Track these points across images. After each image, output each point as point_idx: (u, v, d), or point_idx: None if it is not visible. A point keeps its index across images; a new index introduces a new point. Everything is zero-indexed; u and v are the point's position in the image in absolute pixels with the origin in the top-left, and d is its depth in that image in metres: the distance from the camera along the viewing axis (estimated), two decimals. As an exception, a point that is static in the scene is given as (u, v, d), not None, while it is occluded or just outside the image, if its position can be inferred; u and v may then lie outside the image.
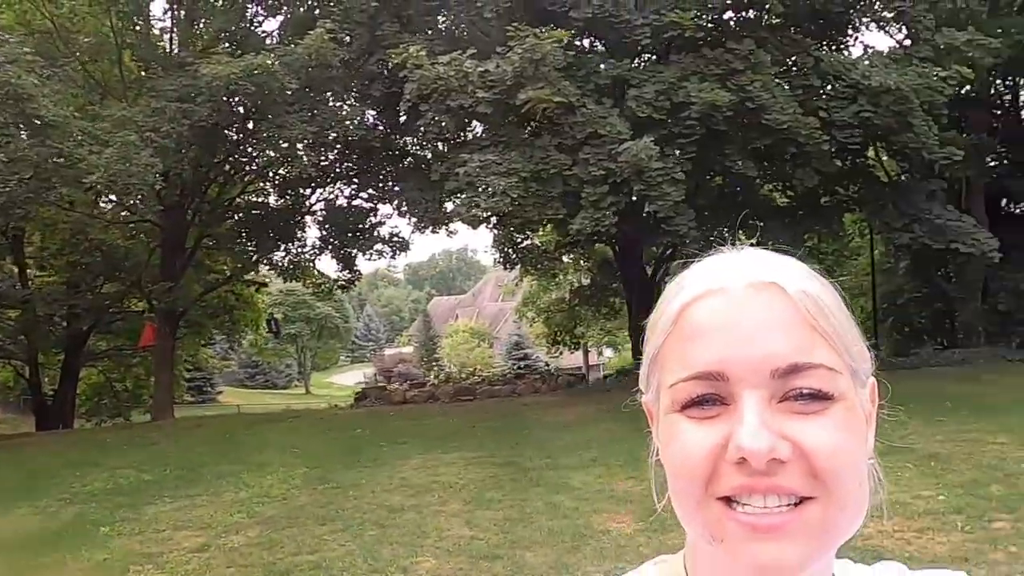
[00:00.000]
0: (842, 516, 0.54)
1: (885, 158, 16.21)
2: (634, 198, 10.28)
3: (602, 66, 11.10)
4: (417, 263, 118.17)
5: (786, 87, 11.75)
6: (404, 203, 13.26)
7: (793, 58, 12.35)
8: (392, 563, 5.85)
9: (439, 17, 13.27)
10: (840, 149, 12.14)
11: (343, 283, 17.52)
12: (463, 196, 10.41)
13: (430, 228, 16.44)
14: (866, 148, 13.18)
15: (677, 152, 10.78)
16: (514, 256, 21.65)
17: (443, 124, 10.79)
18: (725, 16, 12.80)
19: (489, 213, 10.09)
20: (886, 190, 14.18)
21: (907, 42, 15.14)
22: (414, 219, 14.57)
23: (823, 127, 11.42)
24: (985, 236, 12.51)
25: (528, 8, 11.05)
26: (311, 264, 17.80)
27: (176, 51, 14.42)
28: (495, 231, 20.91)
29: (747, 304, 0.55)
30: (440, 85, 10.38)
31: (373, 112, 13.55)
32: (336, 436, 12.02)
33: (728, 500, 0.53)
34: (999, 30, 13.66)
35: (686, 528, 0.59)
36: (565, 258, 22.62)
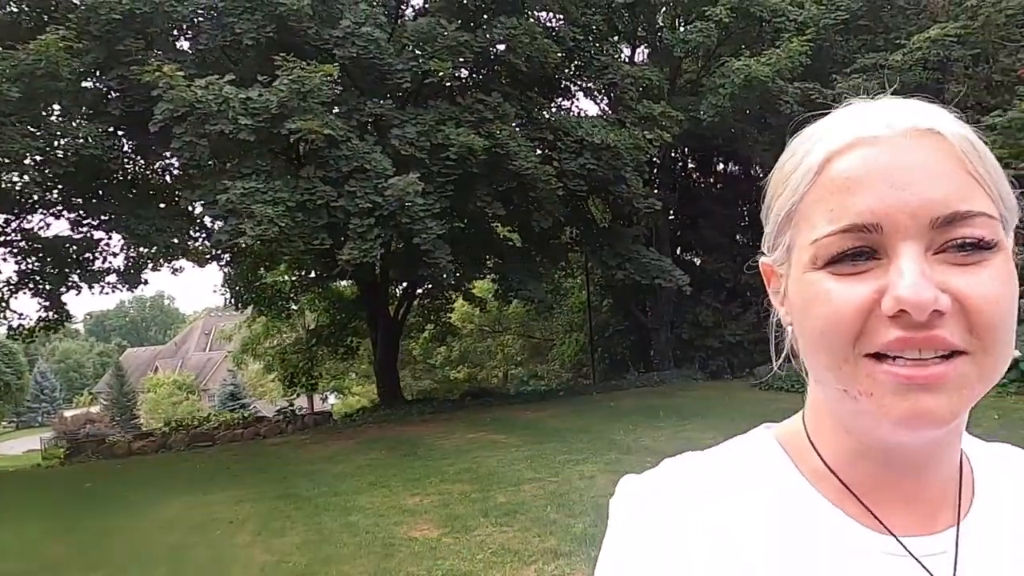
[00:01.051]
0: (993, 369, 0.52)
1: (595, 207, 18.73)
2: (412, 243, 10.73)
3: (367, 104, 11.48)
4: (101, 312, 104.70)
5: (521, 136, 13.20)
6: (139, 233, 12.17)
7: (530, 112, 13.89)
8: (198, 595, 5.50)
9: (183, 40, 12.64)
10: (569, 196, 13.85)
11: (47, 324, 15.34)
12: (226, 223, 10.00)
13: (163, 261, 15.28)
14: (590, 196, 15.16)
15: (436, 190, 11.50)
16: (246, 296, 20.71)
17: (198, 149, 10.30)
18: (466, 72, 14.04)
19: (255, 241, 9.81)
20: (600, 234, 16.40)
21: (607, 109, 17.82)
22: (150, 250, 13.43)
23: (557, 176, 13.02)
24: (679, 273, 15.08)
25: (290, 41, 11.09)
26: (2, 303, 15.35)
27: None
28: (226, 269, 19.91)
29: (902, 151, 0.52)
30: (199, 108, 9.96)
31: (99, 130, 12.36)
32: (61, 491, 10.54)
33: (876, 356, 0.51)
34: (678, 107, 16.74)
35: (823, 387, 0.57)
36: (301, 298, 22.16)
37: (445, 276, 12.11)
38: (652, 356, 20.46)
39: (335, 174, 10.84)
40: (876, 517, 0.57)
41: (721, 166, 23.21)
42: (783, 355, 0.64)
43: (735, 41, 17.05)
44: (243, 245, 10.02)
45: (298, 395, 22.19)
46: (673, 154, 20.82)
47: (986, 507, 0.60)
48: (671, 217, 21.50)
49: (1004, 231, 0.54)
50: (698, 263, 22.05)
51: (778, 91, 14.59)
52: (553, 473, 8.69)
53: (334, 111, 11.66)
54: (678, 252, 22.14)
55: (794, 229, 0.56)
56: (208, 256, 17.22)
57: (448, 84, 11.80)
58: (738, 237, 22.37)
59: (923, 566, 0.55)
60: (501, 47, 12.59)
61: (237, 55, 12.02)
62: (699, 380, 17.98)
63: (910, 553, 0.56)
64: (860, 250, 0.52)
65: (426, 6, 13.57)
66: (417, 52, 11.75)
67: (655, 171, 19.67)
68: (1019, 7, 13.29)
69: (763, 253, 0.63)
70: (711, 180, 23.56)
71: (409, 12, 13.83)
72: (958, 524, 0.58)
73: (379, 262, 10.82)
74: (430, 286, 19.34)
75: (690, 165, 23.35)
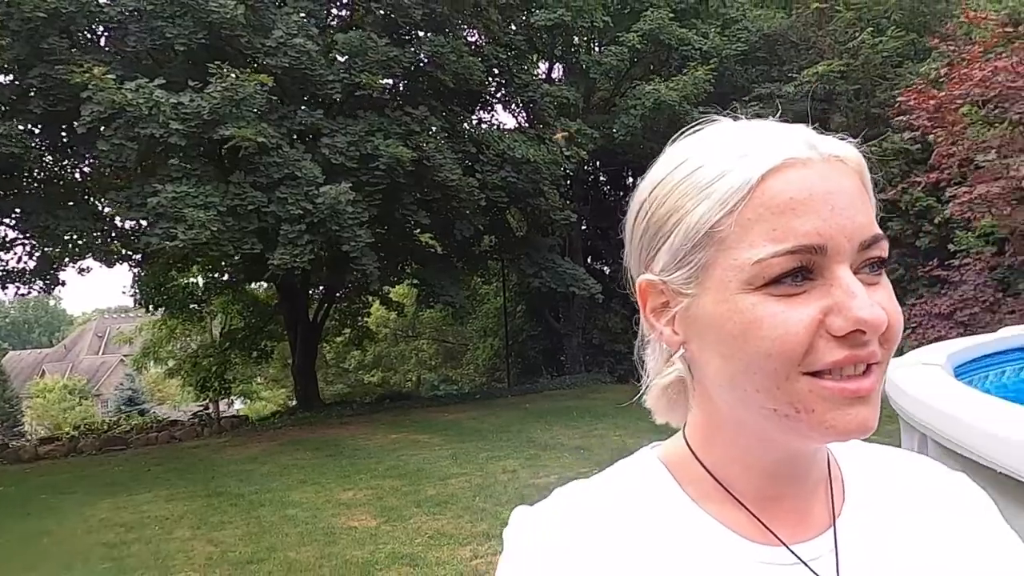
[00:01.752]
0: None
1: (512, 217, 19.44)
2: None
3: (297, 113, 11.76)
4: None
5: (447, 148, 13.76)
6: (56, 233, 11.97)
7: (455, 126, 14.46)
8: (148, 585, 5.77)
9: (109, 40, 12.50)
10: (490, 206, 14.49)
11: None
12: (158, 226, 10.07)
13: (70, 261, 14.96)
14: (509, 207, 15.84)
15: (364, 199, 11.88)
16: (157, 298, 20.27)
17: (126, 151, 10.32)
18: (392, 83, 14.46)
19: (187, 244, 9.94)
20: (518, 243, 17.13)
21: (524, 123, 18.59)
22: (54, 250, 13.16)
23: (480, 187, 13.64)
24: (592, 282, 15.97)
25: (222, 48, 11.24)
26: None
27: None
28: (136, 270, 19.47)
29: (831, 176, 0.54)
30: (130, 112, 10.02)
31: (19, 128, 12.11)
32: (-27, 497, 10.26)
33: (812, 373, 0.53)
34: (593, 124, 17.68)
35: (744, 408, 0.57)
36: (214, 300, 21.84)
37: (371, 282, 12.49)
38: (564, 360, 21.33)
39: (265, 180, 11.07)
40: (767, 528, 0.59)
41: (631, 180, 24.42)
42: (648, 380, 0.66)
43: (646, 64, 18.16)
44: (178, 247, 10.06)
45: (210, 399, 21.85)
46: (587, 168, 21.78)
47: (858, 505, 0.63)
48: (583, 228, 22.48)
49: None
50: (607, 272, 23.12)
51: (684, 114, 15.67)
52: (478, 468, 9.26)
53: (272, 117, 11.87)
54: (589, 261, 23.16)
55: (716, 247, 0.55)
56: (116, 256, 16.89)
57: (377, 96, 12.20)
58: (644, 247, 23.64)
59: (812, 571, 0.57)
60: (428, 63, 13.11)
61: (166, 59, 12.04)
62: (608, 383, 18.93)
63: (800, 560, 0.58)
64: (798, 271, 0.53)
65: (352, 17, 13.93)
66: (345, 62, 12.12)
67: (570, 184, 20.58)
68: (893, 50, 14.91)
69: (637, 270, 0.62)
70: (620, 193, 24.71)
71: (340, 25, 14.11)
72: (834, 524, 0.61)
73: (308, 267, 11.09)
74: (348, 290, 19.57)
75: (602, 178, 24.46)
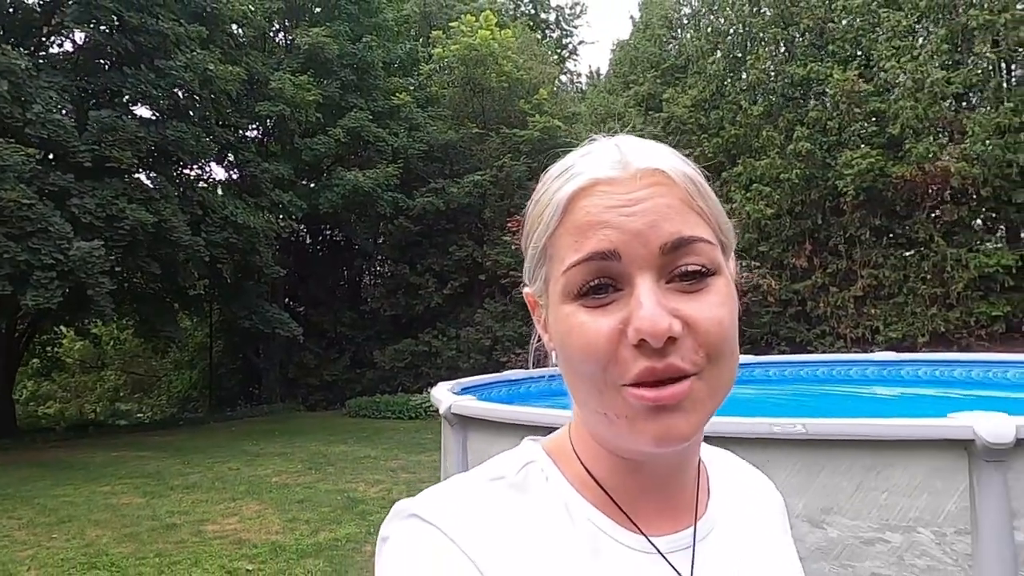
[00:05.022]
0: (722, 385, 0.60)
1: (225, 267, 22.02)
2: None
3: (51, 175, 13.70)
4: None
5: (181, 211, 16.44)
6: None
7: (184, 191, 17.15)
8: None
9: None
10: (212, 261, 17.35)
11: None
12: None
13: None
14: (228, 261, 18.72)
15: (108, 252, 14.19)
16: None
17: None
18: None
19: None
20: (230, 288, 19.94)
21: (235, 177, 21.54)
22: None
23: (206, 245, 16.51)
24: (294, 324, 19.44)
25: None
26: None
27: None
28: None
29: (635, 190, 0.59)
30: None
31: None
32: None
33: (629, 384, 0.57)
34: (302, 195, 21.27)
35: (581, 409, 0.63)
36: None
37: (105, 320, 14.65)
38: (259, 392, 24.15)
39: (18, 231, 12.92)
40: (630, 519, 0.65)
41: (329, 233, 28.15)
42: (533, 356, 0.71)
43: (348, 150, 22.29)
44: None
45: None
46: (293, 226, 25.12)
47: (717, 505, 0.71)
48: (285, 275, 25.65)
49: (724, 256, 0.63)
50: (303, 313, 26.45)
51: (376, 196, 20.12)
52: (207, 468, 12.14)
53: (26, 175, 13.45)
54: (290, 304, 26.32)
55: (549, 263, 0.63)
56: None
57: (124, 168, 14.61)
58: (337, 294, 27.39)
59: (667, 561, 0.64)
60: (171, 144, 15.79)
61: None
62: (301, 411, 22.27)
63: (657, 550, 0.64)
64: (603, 283, 0.58)
65: (104, 97, 16.04)
66: (96, 136, 14.39)
67: (277, 237, 23.75)
68: (525, 170, 20.94)
69: (525, 283, 0.69)
70: (318, 248, 28.34)
71: (94, 103, 16.06)
72: (695, 523, 0.68)
73: (56, 306, 13.11)
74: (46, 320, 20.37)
75: (303, 230, 27.84)
